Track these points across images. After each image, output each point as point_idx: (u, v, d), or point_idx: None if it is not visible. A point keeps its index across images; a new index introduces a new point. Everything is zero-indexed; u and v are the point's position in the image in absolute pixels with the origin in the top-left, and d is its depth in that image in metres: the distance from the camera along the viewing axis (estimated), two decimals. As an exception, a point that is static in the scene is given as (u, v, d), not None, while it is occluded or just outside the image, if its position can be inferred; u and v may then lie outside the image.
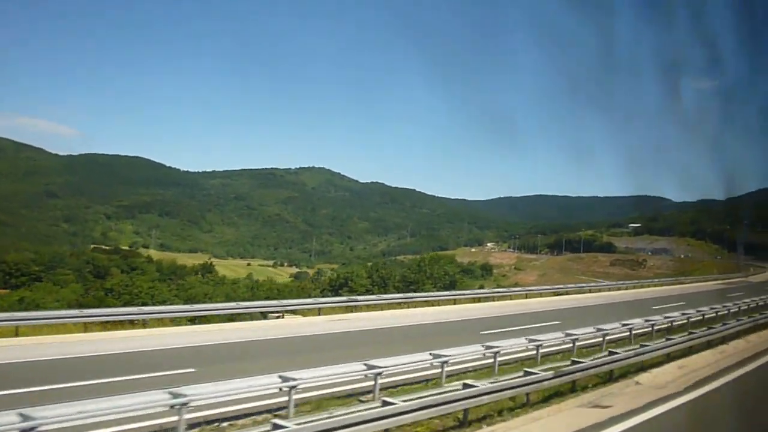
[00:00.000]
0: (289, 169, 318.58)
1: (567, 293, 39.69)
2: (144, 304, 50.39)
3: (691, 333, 18.99)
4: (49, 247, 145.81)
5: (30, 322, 17.36)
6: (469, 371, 14.38)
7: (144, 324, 19.42)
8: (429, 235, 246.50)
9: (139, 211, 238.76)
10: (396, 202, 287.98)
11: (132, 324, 19.70)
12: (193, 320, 21.30)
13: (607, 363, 13.82)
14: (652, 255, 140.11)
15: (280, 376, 10.12)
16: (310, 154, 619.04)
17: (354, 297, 26.99)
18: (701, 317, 25.04)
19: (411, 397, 10.40)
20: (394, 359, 11.87)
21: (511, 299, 34.99)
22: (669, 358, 17.40)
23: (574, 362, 13.05)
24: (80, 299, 69.54)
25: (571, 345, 16.68)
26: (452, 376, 13.29)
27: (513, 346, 15.00)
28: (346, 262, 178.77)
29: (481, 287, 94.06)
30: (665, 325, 22.30)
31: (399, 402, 9.36)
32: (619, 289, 46.86)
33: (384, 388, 11.55)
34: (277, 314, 23.19)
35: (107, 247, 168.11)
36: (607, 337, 18.61)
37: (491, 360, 14.11)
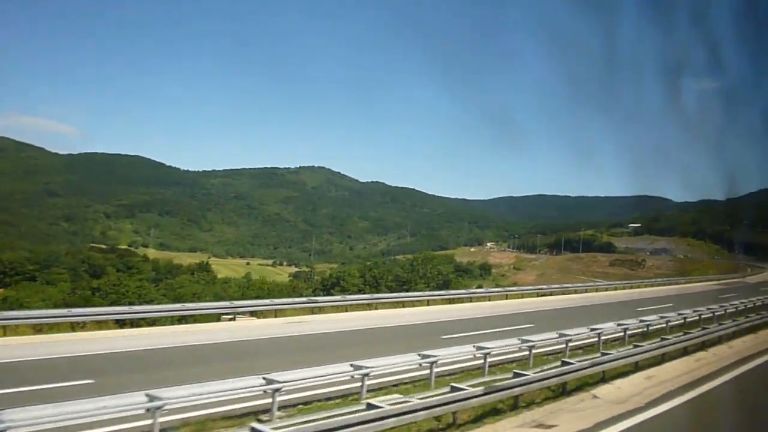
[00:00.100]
0: (290, 168, 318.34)
1: (552, 294, 38.12)
2: (131, 304, 49.51)
3: (663, 339, 17.39)
4: (45, 246, 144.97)
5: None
6: (404, 383, 12.85)
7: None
8: (429, 234, 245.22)
9: (139, 210, 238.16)
10: (396, 202, 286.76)
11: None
12: (130, 323, 19.82)
13: (557, 375, 12.23)
14: (652, 255, 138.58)
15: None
16: (311, 153, 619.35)
17: (315, 298, 25.49)
18: (682, 321, 23.48)
19: (300, 420, 8.95)
20: (302, 372, 10.40)
21: (489, 300, 33.46)
22: (637, 367, 15.85)
23: (516, 374, 11.51)
24: (66, 299, 68.50)
25: (527, 353, 15.13)
26: (376, 390, 11.79)
27: (457, 354, 13.48)
28: (346, 262, 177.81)
29: (480, 287, 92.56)
30: (640, 330, 20.75)
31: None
32: (607, 290, 45.24)
33: (283, 406, 10.09)
34: (229, 316, 21.78)
35: (103, 246, 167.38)
36: (572, 344, 17.10)
37: (428, 371, 12.56)
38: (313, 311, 25.10)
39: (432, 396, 10.38)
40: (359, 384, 11.02)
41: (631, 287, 49.31)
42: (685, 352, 18.58)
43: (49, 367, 13.60)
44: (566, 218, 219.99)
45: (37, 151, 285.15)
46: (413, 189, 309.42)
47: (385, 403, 9.79)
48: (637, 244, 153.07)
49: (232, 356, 15.70)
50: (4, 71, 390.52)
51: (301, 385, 10.51)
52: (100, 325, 19.06)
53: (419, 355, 12.38)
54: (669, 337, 17.68)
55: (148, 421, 8.69)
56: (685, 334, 18.86)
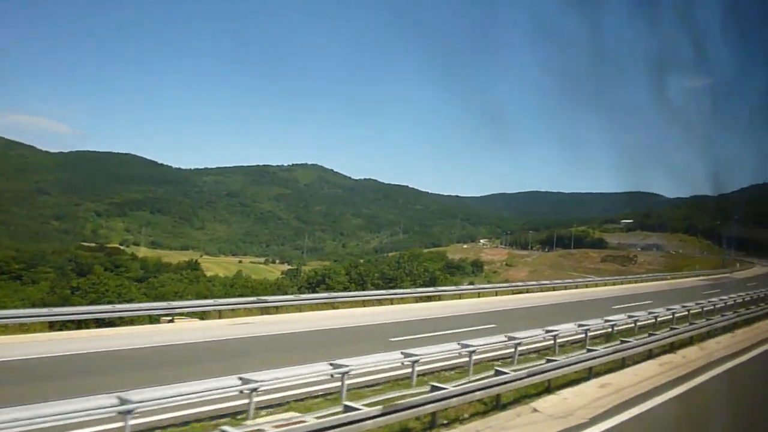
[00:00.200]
0: (282, 165, 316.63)
1: (528, 291, 36.66)
2: (110, 302, 48.04)
3: (623, 342, 15.88)
4: (33, 245, 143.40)
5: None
6: (312, 397, 11.30)
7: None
8: (422, 231, 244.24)
9: (130, 208, 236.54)
10: (389, 199, 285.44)
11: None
12: (59, 326, 18.28)
13: (484, 388, 10.68)
14: (643, 251, 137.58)
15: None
16: (304, 150, 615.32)
17: (264, 297, 23.94)
18: (653, 320, 22.01)
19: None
20: (167, 389, 8.86)
21: (461, 298, 31.98)
22: (591, 373, 14.35)
23: (434, 388, 9.99)
24: (45, 298, 67.02)
25: (467, 359, 13.60)
26: (272, 407, 10.27)
27: (377, 362, 11.94)
28: (339, 259, 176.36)
29: (471, 283, 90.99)
30: (604, 331, 19.26)
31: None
32: (586, 286, 43.80)
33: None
34: (168, 318, 20.25)
35: (92, 245, 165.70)
36: (523, 348, 15.60)
37: (340, 384, 11.02)
38: (263, 311, 23.72)
39: (325, 416, 8.86)
40: (246, 401, 9.51)
41: (614, 284, 47.92)
42: (649, 355, 17.12)
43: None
44: (559, 215, 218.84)
45: (28, 149, 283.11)
46: (406, 186, 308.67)
47: (271, 425, 8.33)
48: (629, 240, 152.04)
49: (127, 366, 14.05)
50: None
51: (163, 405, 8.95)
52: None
53: (330, 364, 10.85)
54: (629, 339, 16.13)
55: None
56: (650, 335, 17.34)
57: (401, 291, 32.52)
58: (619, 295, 37.63)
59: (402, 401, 9.23)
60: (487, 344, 14.46)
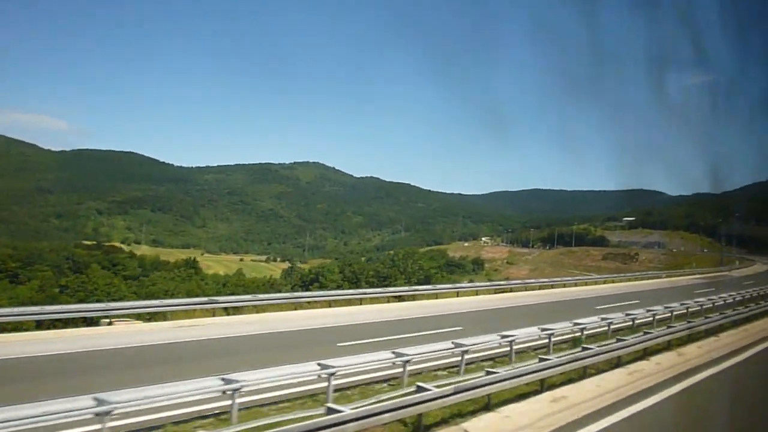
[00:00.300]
0: (284, 163, 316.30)
1: (511, 290, 35.06)
2: (98, 301, 46.82)
3: (584, 349, 14.27)
4: (32, 243, 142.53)
5: None
6: (203, 417, 9.78)
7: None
8: (423, 229, 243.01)
9: (131, 206, 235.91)
10: (391, 197, 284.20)
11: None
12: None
13: (395, 408, 9.10)
14: (645, 249, 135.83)
15: (222, 378, 9.43)
16: (305, 148, 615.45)
17: (215, 298, 22.41)
18: (631, 323, 20.40)
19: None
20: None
21: (437, 297, 30.38)
22: (544, 386, 12.76)
23: (330, 410, 8.44)
24: (34, 297, 65.93)
25: (401, 369, 12.06)
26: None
27: (287, 376, 10.39)
28: (340, 257, 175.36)
29: (471, 281, 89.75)
30: (572, 335, 17.65)
31: None
32: (576, 285, 42.03)
33: None
34: (107, 320, 18.78)
35: (89, 243, 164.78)
36: (472, 356, 14.03)
37: (241, 403, 9.50)
38: (228, 312, 22.29)
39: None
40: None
41: (605, 282, 46.21)
42: (618, 363, 15.52)
43: None
44: (561, 213, 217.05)
45: (30, 147, 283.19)
46: (408, 184, 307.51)
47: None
48: (630, 237, 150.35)
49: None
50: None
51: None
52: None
53: (222, 379, 9.32)
54: (590, 346, 14.51)
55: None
56: (618, 341, 15.72)
57: (371, 290, 30.94)
58: (609, 294, 36.02)
59: (285, 427, 7.68)
60: (429, 352, 12.88)
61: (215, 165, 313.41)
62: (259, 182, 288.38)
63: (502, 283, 39.31)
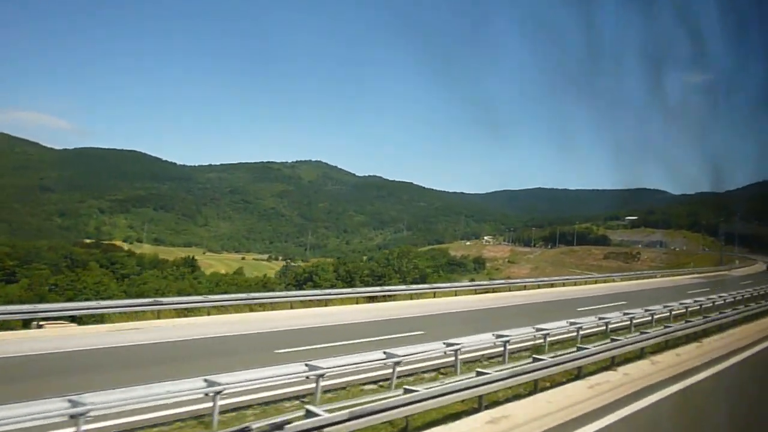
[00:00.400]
0: (286, 162, 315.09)
1: (495, 291, 33.53)
2: (87, 300, 45.71)
3: (535, 360, 12.74)
4: (31, 242, 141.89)
5: None
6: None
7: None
8: (426, 228, 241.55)
9: (133, 205, 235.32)
10: (393, 196, 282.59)
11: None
12: None
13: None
14: (647, 248, 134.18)
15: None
16: (307, 147, 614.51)
17: (160, 300, 21.00)
18: (604, 327, 18.88)
19: None
20: None
21: (411, 299, 28.90)
22: (482, 404, 11.20)
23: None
24: (22, 296, 64.95)
25: (314, 385, 10.59)
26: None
27: (180, 392, 8.95)
28: (342, 256, 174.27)
29: (472, 281, 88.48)
30: (533, 343, 16.13)
31: None
32: (564, 284, 40.42)
33: None
34: (38, 323, 17.43)
35: (88, 241, 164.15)
36: (406, 367, 12.57)
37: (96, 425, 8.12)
38: (180, 314, 20.92)
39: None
40: None
41: (595, 282, 44.67)
42: (578, 374, 14.00)
43: None
44: (564, 212, 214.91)
45: (32, 146, 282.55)
46: (411, 183, 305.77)
47: None
48: (632, 237, 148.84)
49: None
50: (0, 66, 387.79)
51: None
52: None
53: (65, 401, 7.91)
54: (542, 357, 12.98)
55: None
56: (579, 349, 14.20)
57: (337, 291, 29.46)
58: (597, 295, 34.47)
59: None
60: (338, 366, 11.27)
61: (218, 164, 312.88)
62: (261, 181, 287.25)
63: (484, 283, 37.81)
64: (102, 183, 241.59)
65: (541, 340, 15.90)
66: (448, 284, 34.96)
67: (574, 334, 17.36)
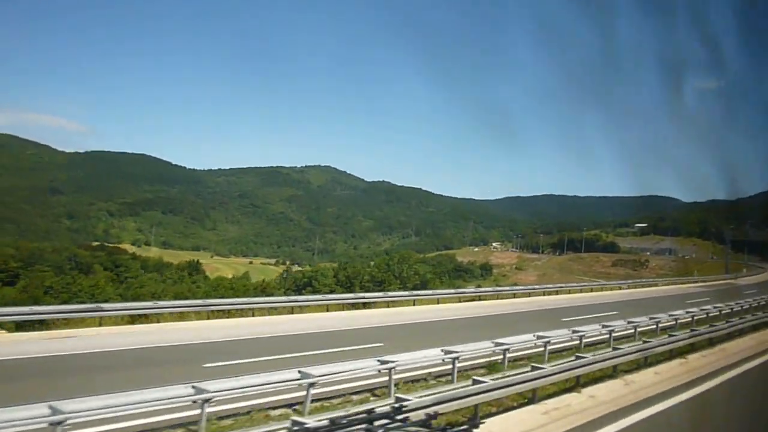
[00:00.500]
0: (295, 167, 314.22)
1: (473, 299, 31.84)
2: (81, 302, 44.86)
3: (475, 383, 11.12)
4: (32, 243, 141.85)
5: None
6: None
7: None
8: (434, 233, 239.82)
9: (142, 208, 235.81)
10: (402, 201, 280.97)
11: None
12: None
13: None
14: (655, 255, 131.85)
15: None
16: (316, 152, 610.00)
17: (101, 305, 19.56)
18: (578, 341, 17.20)
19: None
20: None
21: (389, 306, 27.30)
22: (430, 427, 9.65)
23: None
24: (17, 298, 64.24)
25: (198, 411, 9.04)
26: None
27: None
28: (348, 261, 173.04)
29: (478, 287, 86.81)
30: (495, 358, 14.47)
31: None
32: (557, 292, 38.60)
33: None
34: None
35: (95, 244, 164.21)
36: (318, 390, 11.00)
37: None
38: (134, 320, 19.58)
39: None
40: None
41: (591, 290, 42.87)
42: (532, 397, 12.35)
43: None
44: (573, 218, 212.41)
45: (42, 148, 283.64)
46: (419, 188, 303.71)
47: None
48: (641, 244, 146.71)
49: None
50: (10, 68, 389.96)
51: None
52: None
53: None
54: (484, 379, 11.33)
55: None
56: (534, 369, 12.55)
57: (304, 297, 27.87)
58: (589, 304, 32.71)
59: None
60: (228, 390, 9.71)
61: (227, 168, 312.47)
62: (269, 185, 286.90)
63: (469, 291, 36.06)
64: (111, 186, 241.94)
65: (500, 356, 14.23)
66: (430, 292, 33.18)
67: (541, 349, 15.70)
